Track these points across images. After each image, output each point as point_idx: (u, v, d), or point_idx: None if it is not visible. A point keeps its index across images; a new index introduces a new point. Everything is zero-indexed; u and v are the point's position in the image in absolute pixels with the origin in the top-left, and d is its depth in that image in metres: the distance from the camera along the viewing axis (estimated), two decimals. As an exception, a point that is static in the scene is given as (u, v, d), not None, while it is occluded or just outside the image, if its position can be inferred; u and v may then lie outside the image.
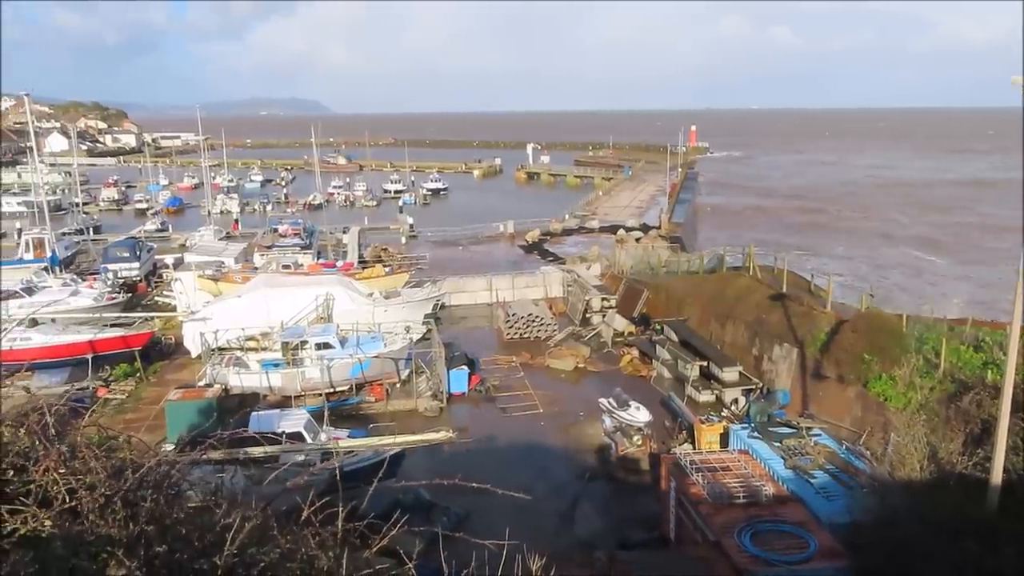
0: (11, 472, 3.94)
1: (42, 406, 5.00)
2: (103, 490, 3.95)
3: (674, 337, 34.59)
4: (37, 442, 4.15)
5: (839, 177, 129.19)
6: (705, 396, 30.60)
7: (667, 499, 19.82)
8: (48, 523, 3.54)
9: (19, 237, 56.86)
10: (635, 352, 36.65)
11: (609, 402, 27.85)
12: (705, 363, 31.70)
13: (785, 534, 16.01)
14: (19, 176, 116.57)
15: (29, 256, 51.46)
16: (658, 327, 36.40)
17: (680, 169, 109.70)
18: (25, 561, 3.21)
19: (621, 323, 39.52)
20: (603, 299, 41.74)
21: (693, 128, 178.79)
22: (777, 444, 22.09)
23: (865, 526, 15.54)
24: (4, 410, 4.86)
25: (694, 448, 24.70)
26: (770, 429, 23.39)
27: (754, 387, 30.20)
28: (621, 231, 67.61)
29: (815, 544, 15.43)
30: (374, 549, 4.55)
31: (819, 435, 22.86)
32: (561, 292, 47.41)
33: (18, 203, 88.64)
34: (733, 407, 29.47)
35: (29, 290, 41.27)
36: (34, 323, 34.44)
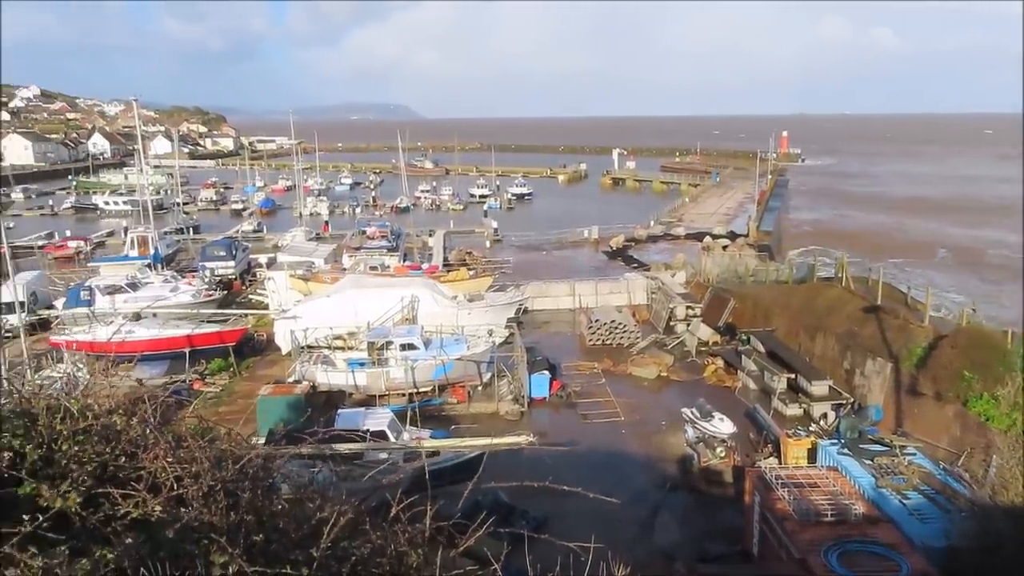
0: (123, 458, 4.16)
1: (152, 396, 5.28)
2: (206, 479, 4.14)
3: (761, 348, 33.76)
4: (148, 431, 4.39)
5: (951, 189, 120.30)
6: (792, 409, 29.74)
7: (750, 513, 19.33)
8: (158, 508, 3.74)
9: (125, 235, 59.96)
10: (720, 362, 35.92)
11: (692, 412, 27.40)
12: (793, 375, 30.82)
13: (875, 555, 15.39)
14: (125, 177, 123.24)
15: (134, 253, 54.19)
16: (744, 337, 35.58)
17: (770, 176, 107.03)
18: (138, 543, 3.40)
19: (706, 332, 38.81)
20: (688, 307, 41.06)
21: (784, 134, 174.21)
22: (868, 462, 21.23)
23: (963, 551, 14.79)
24: (103, 399, 5.15)
25: (780, 462, 24.00)
26: (861, 446, 22.51)
27: (844, 402, 29.17)
28: (707, 238, 66.50)
29: (907, 567, 14.77)
30: (460, 549, 4.62)
31: (914, 454, 21.87)
32: (645, 299, 46.93)
33: (123, 202, 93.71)
34: (822, 422, 28.52)
35: (133, 285, 43.51)
36: (137, 317, 36.29)
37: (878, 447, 22.41)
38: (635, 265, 58.58)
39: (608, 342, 39.12)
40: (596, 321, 39.76)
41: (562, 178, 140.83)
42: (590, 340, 39.24)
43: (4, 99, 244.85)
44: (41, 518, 3.36)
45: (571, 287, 47.56)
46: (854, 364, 30.34)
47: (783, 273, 43.66)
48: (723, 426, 26.26)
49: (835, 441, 23.69)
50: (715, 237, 67.34)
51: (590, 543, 5.24)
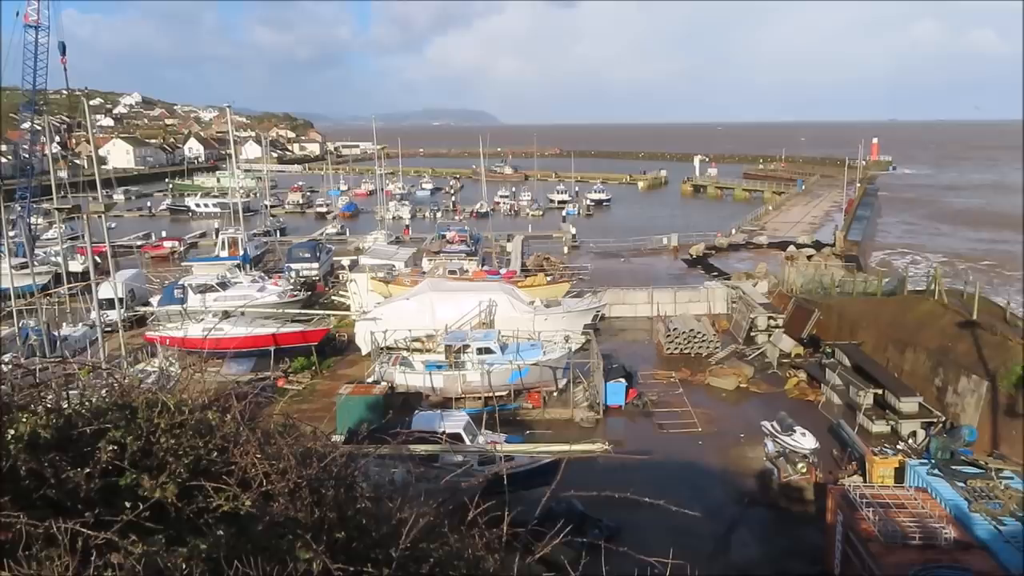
0: (215, 453, 4.33)
1: (242, 393, 5.49)
2: (293, 476, 4.27)
3: (846, 361, 32.67)
4: (240, 427, 4.56)
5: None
6: (879, 427, 28.66)
7: (833, 533, 18.73)
8: (248, 503, 3.88)
9: (217, 236, 62.36)
10: (802, 375, 34.93)
11: (772, 425, 26.68)
12: (880, 391, 29.72)
13: (967, 583, 14.71)
14: (218, 180, 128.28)
15: (224, 254, 56.35)
16: (829, 350, 34.51)
17: (858, 184, 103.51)
18: (228, 535, 3.54)
19: (788, 344, 37.80)
20: (769, 318, 40.07)
21: (875, 141, 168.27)
22: (961, 484, 20.26)
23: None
24: (197, 394, 5.37)
25: (865, 481, 23.17)
26: (953, 467, 21.50)
27: (936, 420, 27.94)
28: (791, 248, 64.79)
29: (1002, 598, 14.06)
30: (537, 556, 4.64)
31: (1011, 478, 20.75)
32: (725, 309, 46.04)
33: (213, 204, 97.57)
34: (911, 440, 27.40)
35: (223, 285, 45.25)
36: (226, 315, 37.67)
37: (972, 469, 21.36)
38: (715, 273, 57.50)
39: (686, 351, 38.51)
40: (674, 330, 39.22)
41: (642, 184, 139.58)
42: (668, 349, 38.72)
43: (109, 106, 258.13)
44: (141, 507, 3.54)
45: (649, 294, 47.04)
46: (947, 381, 29.05)
47: (871, 284, 42.17)
48: (805, 441, 25.48)
49: (925, 461, 22.69)
50: (799, 246, 65.56)
51: (664, 556, 5.17)
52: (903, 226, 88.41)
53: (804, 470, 24.30)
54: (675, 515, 7.63)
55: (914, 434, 27.71)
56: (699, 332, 39.12)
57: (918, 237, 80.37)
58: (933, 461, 22.44)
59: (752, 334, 40.14)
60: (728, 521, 22.72)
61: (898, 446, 26.12)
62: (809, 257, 59.79)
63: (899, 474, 22.96)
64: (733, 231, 75.83)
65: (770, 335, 39.03)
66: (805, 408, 31.51)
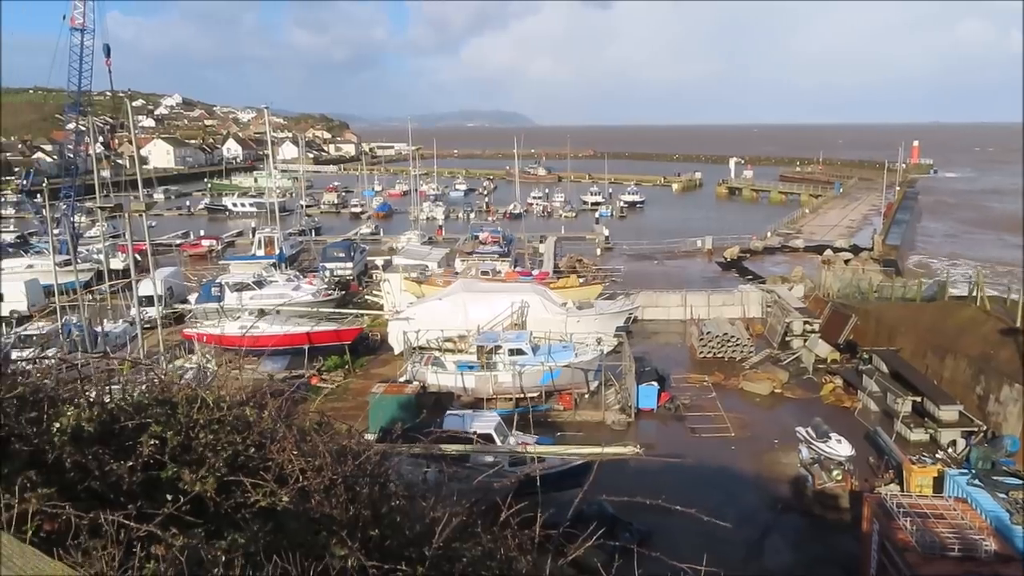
0: (252, 449, 4.40)
1: (278, 390, 5.57)
2: (328, 473, 4.32)
3: (884, 368, 32.13)
4: (277, 424, 4.63)
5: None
6: (917, 435, 28.15)
7: (868, 542, 18.41)
8: (285, 498, 3.93)
9: (253, 235, 63.21)
10: (838, 381, 34.44)
11: (807, 432, 26.31)
12: (919, 399, 29.18)
13: (1008, 597, 14.38)
14: (255, 180, 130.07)
15: (260, 253, 57.09)
16: (866, 356, 33.97)
17: (898, 188, 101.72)
18: (266, 530, 3.59)
19: (824, 349, 37.26)
20: (805, 322, 39.56)
21: (916, 143, 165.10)
22: (1003, 496, 19.81)
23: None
24: (234, 391, 5.45)
25: (902, 490, 22.78)
26: (994, 478, 21.06)
27: (976, 430, 27.36)
28: (828, 251, 63.98)
29: (1045, 612, 13.72)
30: (570, 558, 4.64)
31: (1055, 490, 20.29)
32: (759, 313, 45.55)
33: (250, 204, 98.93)
34: (950, 449, 26.86)
35: (259, 283, 45.84)
36: (262, 313, 38.17)
37: (1014, 480, 20.89)
38: (750, 277, 56.97)
39: (720, 355, 38.18)
40: (708, 333, 38.90)
41: (676, 186, 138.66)
42: (701, 352, 38.41)
43: (150, 107, 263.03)
44: (181, 500, 3.61)
45: (682, 297, 46.72)
46: (988, 390, 28.42)
47: (910, 290, 41.46)
48: (841, 448, 25.09)
49: (965, 471, 22.27)
50: (836, 250, 64.69)
51: (695, 561, 5.13)
52: (944, 231, 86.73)
53: (839, 477, 23.94)
54: (708, 520, 7.57)
55: (954, 443, 27.17)
56: (733, 336, 38.76)
57: (959, 242, 78.77)
58: (974, 471, 22.00)
59: (787, 339, 39.67)
60: (761, 527, 22.49)
61: (937, 455, 25.67)
62: (846, 261, 58.98)
63: (938, 484, 22.53)
64: (768, 234, 75.02)
65: (806, 340, 38.52)
66: (841, 415, 31.07)
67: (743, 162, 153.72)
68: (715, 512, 7.16)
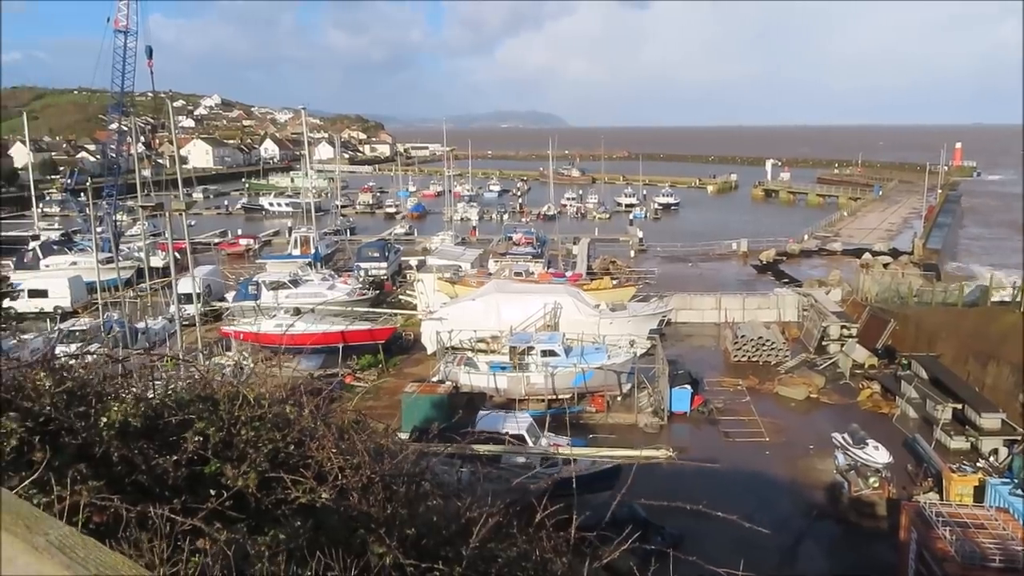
0: (292, 446, 4.46)
1: (316, 388, 5.65)
2: (367, 471, 4.37)
3: (923, 374, 31.57)
4: (316, 422, 4.69)
5: None
6: (957, 442, 27.61)
7: (906, 551, 18.12)
8: (324, 496, 3.99)
9: (289, 235, 63.98)
10: (876, 387, 33.88)
11: (844, 438, 25.95)
12: (959, 406, 28.62)
13: (1051, 610, 14.05)
14: (292, 180, 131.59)
15: (296, 252, 57.72)
16: (905, 362, 33.42)
17: (940, 191, 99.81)
18: (305, 527, 3.65)
19: (861, 354, 36.67)
20: (842, 327, 38.95)
21: (958, 145, 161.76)
22: (1046, 506, 19.40)
23: None
24: (273, 388, 5.52)
25: (941, 499, 22.36)
26: (1038, 488, 20.60)
27: (1020, 438, 26.76)
28: (867, 255, 62.93)
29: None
30: (604, 561, 4.64)
31: (1101, 502, 19.77)
32: (796, 316, 44.97)
33: (286, 204, 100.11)
34: (992, 458, 26.29)
35: (295, 282, 46.39)
36: (297, 312, 38.62)
37: (1058, 490, 20.42)
38: (786, 280, 56.30)
39: (754, 359, 37.79)
40: (742, 336, 38.52)
41: (711, 188, 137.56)
42: (735, 356, 38.06)
43: (190, 107, 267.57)
44: (224, 495, 3.68)
45: (717, 300, 46.30)
46: (1032, 398, 27.79)
47: (952, 295, 40.66)
48: (878, 455, 24.70)
49: (1007, 480, 21.80)
50: (875, 254, 63.61)
51: (729, 566, 5.10)
52: (988, 235, 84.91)
53: (876, 484, 23.57)
54: (740, 525, 7.50)
55: (995, 451, 26.61)
56: (768, 339, 38.34)
57: (1003, 246, 77.06)
58: (1016, 480, 21.52)
59: (824, 343, 39.10)
60: (795, 533, 22.24)
61: (978, 463, 25.10)
62: (885, 265, 58.00)
63: (978, 493, 22.10)
64: (806, 237, 74.09)
65: (843, 345, 37.95)
66: (878, 421, 30.58)
67: (780, 164, 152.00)
68: (748, 518, 7.10)
